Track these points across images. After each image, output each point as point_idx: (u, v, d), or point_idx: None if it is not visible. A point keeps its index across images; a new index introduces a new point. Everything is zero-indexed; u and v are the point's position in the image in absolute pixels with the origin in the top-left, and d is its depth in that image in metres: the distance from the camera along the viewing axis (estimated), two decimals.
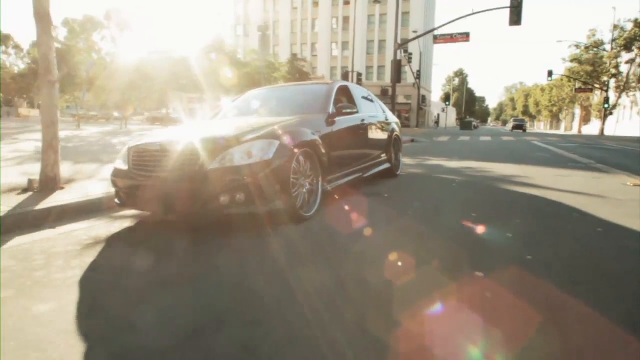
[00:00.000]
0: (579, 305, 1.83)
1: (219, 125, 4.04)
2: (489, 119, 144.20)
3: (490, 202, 4.29)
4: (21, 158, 7.17)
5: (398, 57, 21.14)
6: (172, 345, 1.54)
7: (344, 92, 5.09)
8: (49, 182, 4.42)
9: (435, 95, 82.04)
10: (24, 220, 3.40)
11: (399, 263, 2.42)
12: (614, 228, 3.19)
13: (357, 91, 5.46)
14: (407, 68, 41.26)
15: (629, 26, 37.30)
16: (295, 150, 3.35)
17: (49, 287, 2.12)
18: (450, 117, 75.48)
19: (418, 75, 40.03)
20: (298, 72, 30.82)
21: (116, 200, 3.60)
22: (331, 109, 4.39)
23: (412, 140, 17.43)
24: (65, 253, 2.67)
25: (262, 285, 2.10)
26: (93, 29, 63.47)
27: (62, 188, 4.47)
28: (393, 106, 21.25)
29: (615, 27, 39.33)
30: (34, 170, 5.62)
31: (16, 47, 67.05)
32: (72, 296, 1.99)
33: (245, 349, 1.49)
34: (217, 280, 2.19)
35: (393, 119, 6.42)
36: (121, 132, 17.99)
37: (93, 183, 4.80)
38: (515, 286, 2.05)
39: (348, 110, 4.50)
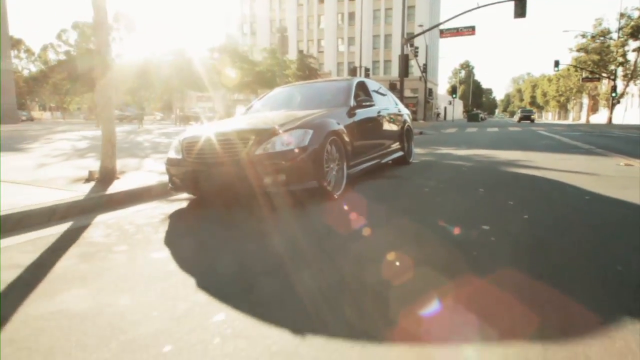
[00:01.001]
0: (562, 244, 2.42)
1: (258, 118, 4.60)
2: (497, 111, 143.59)
3: (495, 180, 4.87)
4: (66, 155, 7.85)
5: (405, 52, 21.64)
6: (251, 276, 2.16)
7: (362, 87, 5.57)
8: (107, 173, 5.06)
9: (442, 88, 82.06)
10: (100, 203, 4.05)
11: (426, 223, 3.03)
12: (600, 196, 3.76)
13: (372, 86, 5.96)
14: (413, 62, 41.61)
15: (636, 14, 37.34)
16: (326, 138, 3.87)
17: (152, 243, 2.76)
18: (457, 110, 75.49)
19: (425, 69, 40.43)
20: (307, 68, 31.43)
21: (170, 185, 4.14)
22: (352, 102, 4.91)
23: (421, 133, 17.92)
24: (148, 224, 3.31)
25: (306, 246, 2.72)
26: None
27: (118, 178, 5.12)
28: (401, 100, 21.74)
29: (622, 15, 39.33)
30: (84, 164, 6.30)
31: (27, 51, 68.19)
32: (173, 249, 2.63)
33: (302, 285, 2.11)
34: (268, 242, 2.81)
35: (405, 111, 6.92)
36: (142, 132, 18.72)
37: (141, 174, 5.43)
38: (513, 234, 2.64)
39: (367, 104, 5.03)
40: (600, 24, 42.58)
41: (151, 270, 2.25)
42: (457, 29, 22.00)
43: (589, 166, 5.87)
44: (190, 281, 2.05)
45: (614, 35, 41.11)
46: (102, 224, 3.37)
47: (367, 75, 26.42)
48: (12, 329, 1.61)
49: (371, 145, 5.22)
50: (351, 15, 56.67)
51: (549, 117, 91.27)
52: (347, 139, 4.27)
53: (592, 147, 9.22)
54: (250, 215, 3.48)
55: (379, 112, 5.53)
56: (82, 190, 4.30)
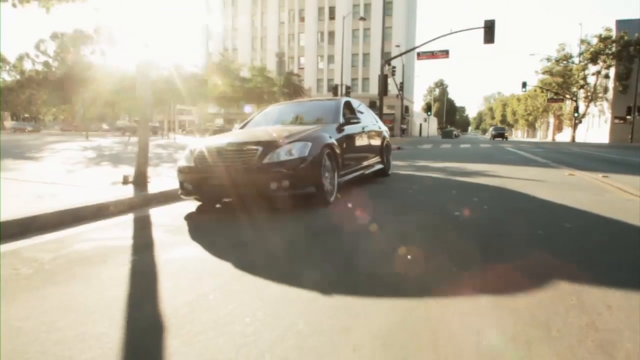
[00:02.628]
0: (507, 222, 3.54)
1: (261, 131, 5.12)
2: (470, 128, 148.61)
3: (465, 185, 6.02)
4: (83, 163, 8.63)
5: (384, 72, 23.11)
6: (265, 260, 3.17)
7: (348, 106, 6.16)
8: (141, 177, 5.94)
9: (417, 105, 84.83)
10: (147, 200, 4.96)
11: (410, 216, 4.10)
12: (541, 195, 4.94)
13: (357, 105, 6.63)
14: (390, 80, 43.45)
15: (595, 41, 40.39)
16: (322, 150, 4.42)
17: (203, 230, 3.72)
18: (432, 127, 78.14)
19: (401, 87, 42.29)
20: (292, 86, 32.80)
21: (180, 191, 4.56)
22: (341, 119, 5.48)
23: (399, 148, 19.19)
24: (194, 214, 4.27)
25: (311, 239, 3.73)
26: (83, 43, 64.00)
27: (149, 182, 6.01)
28: (381, 117, 23.14)
29: (582, 41, 42.41)
30: (108, 170, 7.13)
31: (2, 60, 66.93)
32: (219, 231, 3.60)
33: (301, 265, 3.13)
34: (279, 235, 3.67)
35: (384, 127, 7.63)
36: (131, 144, 19.32)
37: (165, 179, 6.30)
38: (476, 219, 3.74)
39: (354, 121, 5.65)
40: (563, 49, 45.61)
41: (215, 228, 3.23)
42: (432, 52, 23.67)
43: (539, 176, 7.13)
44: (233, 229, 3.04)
45: (576, 60, 44.18)
46: (158, 214, 4.29)
47: (347, 93, 27.84)
48: (163, 264, 2.58)
49: (357, 158, 5.80)
50: (331, 34, 58.61)
51: (518, 134, 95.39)
52: (338, 151, 4.82)
53: (548, 162, 10.61)
54: (257, 214, 4.13)
55: (363, 128, 6.11)
56: (126, 191, 5.18)
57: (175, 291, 2.10)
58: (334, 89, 28.10)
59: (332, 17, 57.92)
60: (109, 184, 5.65)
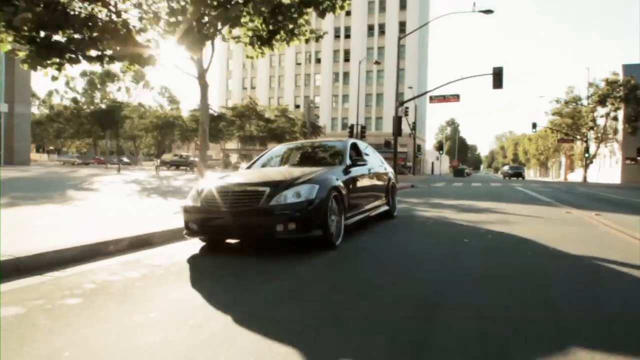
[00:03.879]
0: (505, 247, 4.57)
1: (268, 172, 5.29)
2: (482, 167, 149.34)
3: (474, 219, 7.05)
4: (137, 195, 9.83)
5: (397, 113, 24.57)
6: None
7: (355, 147, 6.13)
8: None
9: (429, 144, 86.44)
10: None
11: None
12: (536, 229, 5.96)
13: (363, 147, 6.61)
14: (403, 120, 45.15)
15: (602, 84, 41.75)
16: (329, 192, 4.39)
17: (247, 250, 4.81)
18: (444, 165, 79.22)
19: (414, 127, 43.86)
20: (312, 126, 34.55)
21: (185, 231, 4.48)
22: (348, 161, 5.46)
23: (412, 186, 20.24)
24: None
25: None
26: (110, 81, 67.70)
27: None
28: (395, 156, 24.41)
29: (590, 84, 43.80)
30: (164, 201, 8.17)
31: (33, 95, 70.60)
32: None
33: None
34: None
35: (389, 169, 7.56)
36: (164, 177, 20.72)
37: None
38: (482, 243, 4.77)
39: (360, 162, 5.64)
40: (572, 91, 46.95)
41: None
42: (444, 96, 25.13)
43: (539, 212, 8.14)
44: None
45: (585, 102, 45.41)
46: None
47: (362, 132, 29.30)
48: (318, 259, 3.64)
49: (363, 200, 5.73)
50: (345, 75, 61.20)
51: (530, 174, 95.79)
52: (344, 193, 4.80)
53: (552, 200, 11.58)
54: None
55: (369, 170, 6.08)
56: None
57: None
58: (349, 128, 29.59)
59: (346, 59, 60.66)
60: (172, 213, 6.72)
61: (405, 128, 50.97)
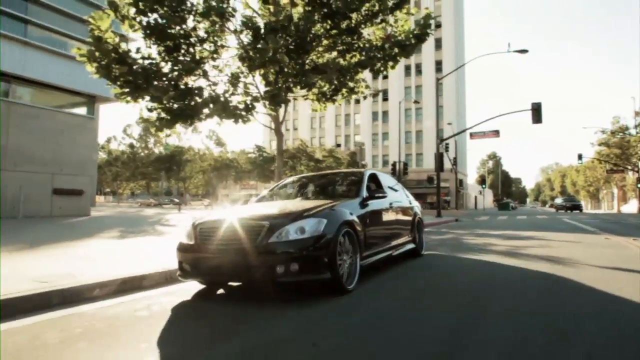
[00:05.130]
0: (546, 268, 5.67)
1: (272, 205, 4.69)
2: (527, 200, 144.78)
3: (518, 244, 8.08)
4: None
5: (439, 151, 25.71)
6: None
7: (373, 179, 5.60)
8: None
9: (471, 178, 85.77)
10: None
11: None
12: (571, 250, 6.94)
13: (384, 178, 6.01)
14: (444, 155, 46.04)
15: None
16: (340, 228, 3.80)
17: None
18: (487, 199, 78.10)
19: (455, 162, 44.49)
20: (356, 164, 36.45)
21: (178, 273, 3.96)
22: (365, 193, 4.85)
23: (457, 220, 21.03)
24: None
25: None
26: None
27: None
28: (438, 192, 25.38)
29: (637, 113, 43.15)
30: None
31: None
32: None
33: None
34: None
35: (415, 203, 6.89)
36: None
37: None
38: (524, 259, 5.88)
39: (379, 195, 4.99)
40: (617, 121, 46.25)
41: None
42: (483, 132, 26.15)
43: (579, 239, 9.03)
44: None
45: (633, 131, 44.54)
46: None
47: (405, 169, 30.46)
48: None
49: (383, 237, 5.16)
50: (384, 114, 63.15)
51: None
52: (359, 229, 4.21)
53: (596, 230, 12.24)
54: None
55: (390, 203, 5.51)
56: None
57: None
58: (392, 166, 30.86)
59: (385, 98, 62.80)
60: None
61: (446, 163, 51.65)
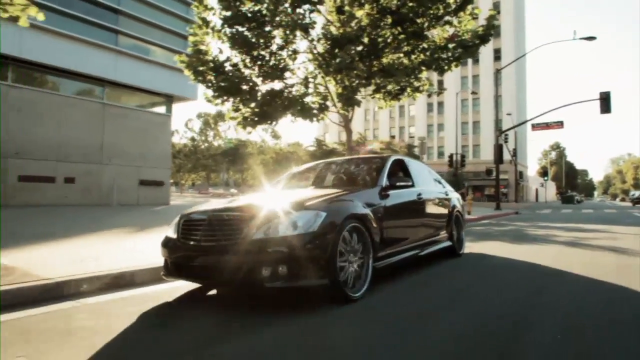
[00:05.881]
0: (606, 259, 6.14)
1: (270, 195, 4.18)
2: (595, 193, 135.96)
3: (582, 236, 8.44)
4: None
5: (497, 142, 25.42)
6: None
7: (400, 166, 4.93)
8: None
9: (531, 169, 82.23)
10: None
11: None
12: (636, 242, 7.26)
13: (413, 166, 5.24)
14: (503, 147, 44.83)
15: None
16: (344, 223, 3.23)
17: None
18: (549, 192, 74.69)
19: (514, 153, 43.21)
20: (413, 157, 37.01)
21: (163, 272, 3.50)
22: (384, 182, 4.21)
23: (517, 213, 20.93)
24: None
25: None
26: (221, 120, 76.53)
27: None
28: (497, 184, 25.19)
29: None
30: None
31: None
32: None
33: None
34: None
35: (454, 194, 6.11)
36: None
37: None
38: (588, 249, 6.37)
39: (402, 184, 4.31)
40: None
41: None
42: (546, 123, 25.47)
43: None
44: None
45: None
46: None
47: (462, 161, 30.25)
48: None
49: (408, 233, 4.52)
50: (440, 104, 62.13)
51: None
52: (374, 225, 3.64)
53: None
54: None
55: (419, 194, 4.80)
56: None
57: None
58: (449, 158, 30.76)
59: (440, 89, 61.76)
60: None
61: (505, 155, 50.26)
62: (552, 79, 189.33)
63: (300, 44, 10.84)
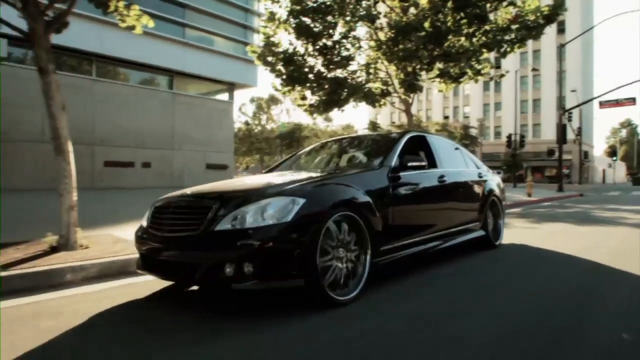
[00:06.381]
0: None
1: (251, 179, 3.75)
2: None
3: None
4: None
5: (561, 121, 24.36)
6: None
7: (419, 144, 4.38)
8: None
9: (598, 149, 77.20)
10: None
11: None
12: None
13: (438, 144, 4.62)
14: (567, 125, 42.52)
15: None
16: (330, 212, 2.74)
17: None
18: (619, 173, 69.95)
19: (579, 132, 40.93)
20: (470, 137, 36.09)
21: (136, 264, 3.15)
22: (394, 162, 3.61)
23: (581, 195, 20.21)
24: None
25: None
26: (274, 104, 78.44)
27: None
28: (560, 165, 24.30)
29: None
30: None
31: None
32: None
33: None
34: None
35: (491, 177, 5.40)
36: None
37: None
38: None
39: (415, 164, 3.65)
40: None
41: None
42: (616, 100, 24.04)
43: None
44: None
45: None
46: None
47: (522, 141, 29.26)
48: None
49: (425, 222, 3.92)
50: (497, 83, 59.44)
51: None
52: (376, 214, 3.12)
53: None
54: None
55: (442, 176, 4.18)
56: None
57: None
58: (507, 138, 29.88)
59: (497, 66, 59.04)
60: None
61: (569, 134, 47.63)
62: (622, 53, 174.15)
63: (360, 30, 11.18)
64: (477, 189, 4.90)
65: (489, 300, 2.93)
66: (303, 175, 3.44)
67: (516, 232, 6.44)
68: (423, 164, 3.74)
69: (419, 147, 4.34)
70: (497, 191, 5.29)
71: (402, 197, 3.55)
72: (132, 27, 5.69)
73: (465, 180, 4.72)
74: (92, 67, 17.04)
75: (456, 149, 5.11)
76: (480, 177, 5.07)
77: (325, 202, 2.78)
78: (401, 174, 3.57)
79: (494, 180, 5.40)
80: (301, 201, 2.64)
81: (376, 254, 3.09)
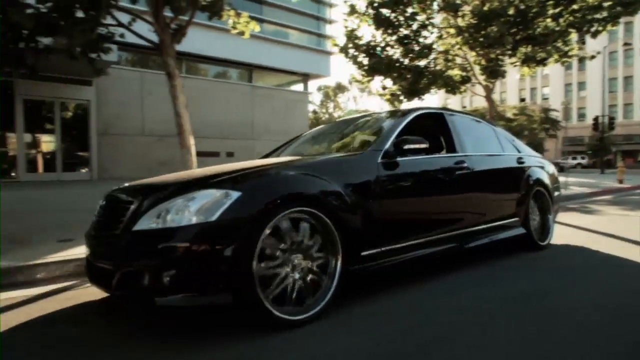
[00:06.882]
0: None
1: (203, 170, 2.98)
2: None
3: None
4: None
5: None
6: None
7: (436, 124, 3.75)
8: None
9: None
10: None
11: None
12: None
13: (461, 124, 3.84)
14: None
15: None
16: (279, 208, 2.22)
17: None
18: None
19: None
20: (550, 121, 34.26)
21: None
22: (387, 146, 2.95)
23: None
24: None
25: None
26: (340, 92, 79.33)
27: None
28: None
29: None
30: None
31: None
32: None
33: None
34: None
35: (537, 162, 4.57)
36: None
37: None
38: None
39: (413, 147, 2.94)
40: None
41: None
42: None
43: None
44: None
45: None
46: None
47: (611, 123, 26.95)
48: None
49: (432, 220, 3.24)
50: (580, 60, 54.99)
51: None
52: (355, 211, 2.57)
53: None
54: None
55: (459, 162, 3.48)
56: None
57: None
58: (594, 120, 27.79)
59: (582, 41, 54.63)
60: None
61: None
62: None
63: (437, 17, 11.24)
64: (515, 177, 4.11)
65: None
66: (270, 161, 2.86)
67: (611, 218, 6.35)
68: (423, 146, 2.96)
69: (435, 129, 3.78)
70: (545, 180, 4.44)
71: (398, 188, 2.93)
72: (242, 33, 6.44)
73: (497, 166, 3.95)
74: (182, 65, 18.62)
75: (489, 129, 4.31)
76: (521, 162, 4.22)
77: (270, 194, 2.23)
78: (399, 159, 2.93)
79: (541, 167, 4.53)
80: (235, 195, 2.14)
81: (354, 261, 2.51)
